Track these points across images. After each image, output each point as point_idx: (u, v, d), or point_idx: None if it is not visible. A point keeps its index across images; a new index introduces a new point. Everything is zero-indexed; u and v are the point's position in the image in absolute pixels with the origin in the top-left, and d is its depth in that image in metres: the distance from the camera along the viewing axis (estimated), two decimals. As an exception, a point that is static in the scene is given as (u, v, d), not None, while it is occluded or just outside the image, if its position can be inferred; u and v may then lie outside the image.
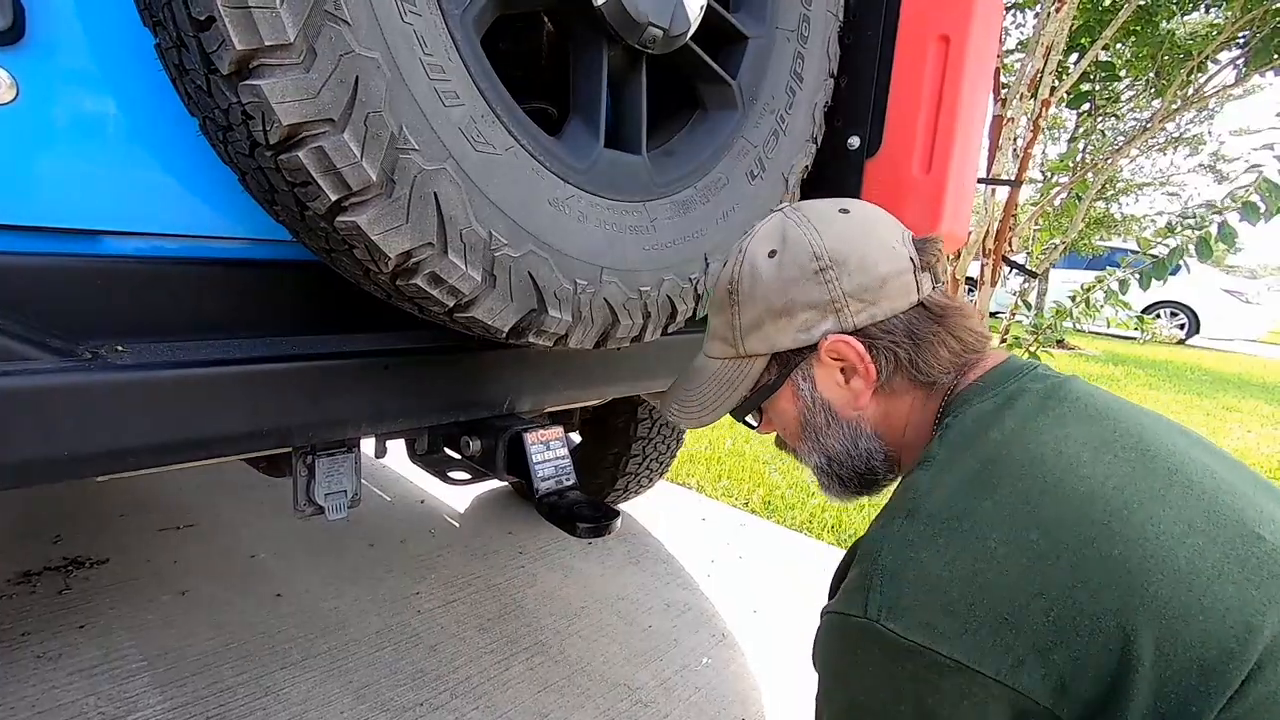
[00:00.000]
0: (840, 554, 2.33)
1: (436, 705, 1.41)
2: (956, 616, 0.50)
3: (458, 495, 2.46)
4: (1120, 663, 0.48)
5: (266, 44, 0.56)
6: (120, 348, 0.75)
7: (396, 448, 1.50)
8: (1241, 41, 3.56)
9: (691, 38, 0.91)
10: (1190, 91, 3.88)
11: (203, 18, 0.56)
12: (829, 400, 0.73)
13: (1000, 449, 0.58)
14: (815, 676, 0.64)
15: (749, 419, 0.80)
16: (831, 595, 0.66)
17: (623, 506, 2.39)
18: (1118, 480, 0.54)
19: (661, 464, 2.20)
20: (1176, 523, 0.52)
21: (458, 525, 2.23)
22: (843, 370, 0.71)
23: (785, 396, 0.75)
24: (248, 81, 0.58)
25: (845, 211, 0.71)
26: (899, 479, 0.76)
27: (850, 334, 0.68)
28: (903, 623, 0.51)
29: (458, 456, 1.15)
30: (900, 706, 0.53)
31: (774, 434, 0.83)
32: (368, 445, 1.11)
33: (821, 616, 0.61)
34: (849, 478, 0.76)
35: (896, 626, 0.51)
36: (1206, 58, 3.63)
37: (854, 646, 0.55)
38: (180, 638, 1.54)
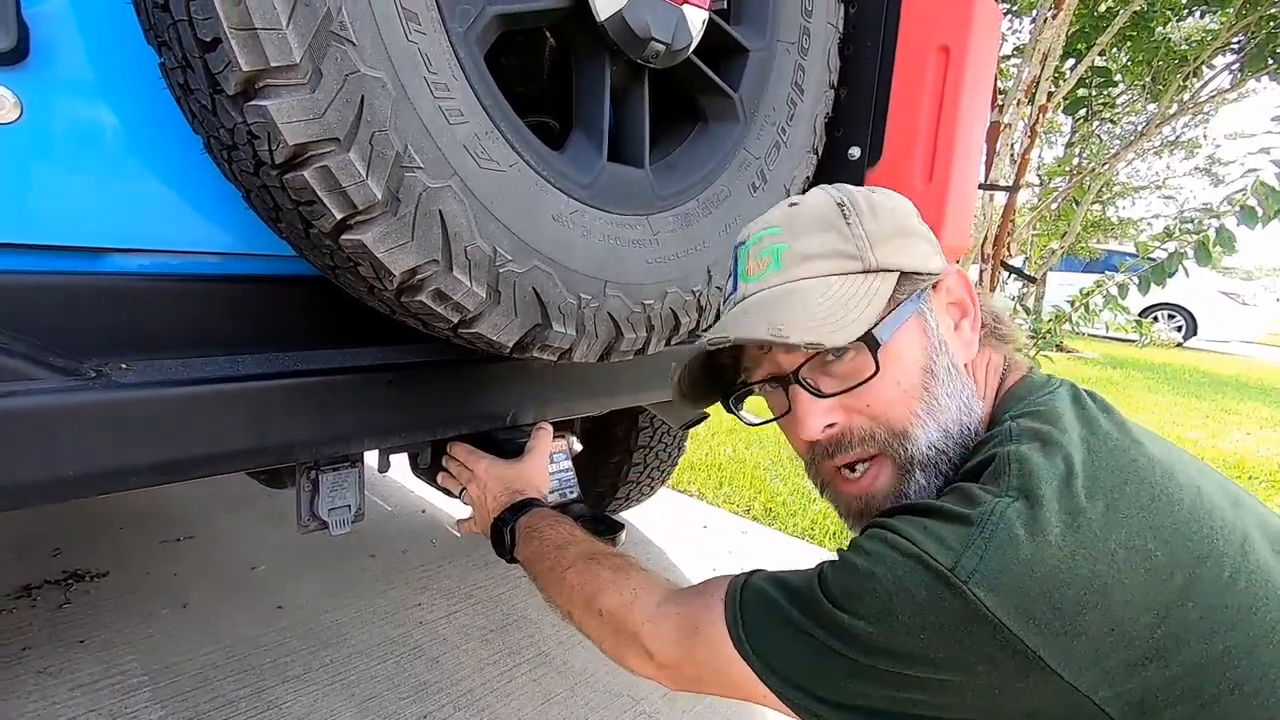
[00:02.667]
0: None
1: (440, 718, 1.41)
2: (1062, 615, 0.47)
3: (459, 505, 2.45)
4: (1220, 688, 0.47)
5: (272, 65, 0.56)
6: (124, 365, 0.74)
7: (399, 459, 1.50)
8: (1236, 46, 3.58)
9: (693, 51, 0.92)
10: (1186, 96, 3.90)
11: (209, 39, 0.56)
12: (950, 346, 0.64)
13: (1097, 449, 0.55)
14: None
15: (814, 381, 0.63)
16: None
17: (624, 515, 2.38)
18: (1200, 496, 0.53)
19: (663, 472, 2.20)
20: (1261, 545, 0.51)
21: (459, 536, 2.23)
22: (953, 313, 0.65)
23: (913, 329, 0.63)
24: (254, 102, 0.58)
25: (873, 190, 0.70)
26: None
27: None
28: (996, 598, 0.47)
29: (461, 469, 1.14)
30: (938, 669, 0.50)
31: (828, 427, 0.64)
32: (370, 458, 1.11)
33: (884, 529, 0.54)
34: (950, 466, 0.62)
35: (987, 599, 0.47)
36: (1202, 63, 3.65)
37: (920, 586, 0.50)
38: (181, 651, 1.54)
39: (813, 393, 0.63)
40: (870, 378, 0.61)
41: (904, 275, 0.63)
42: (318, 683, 1.48)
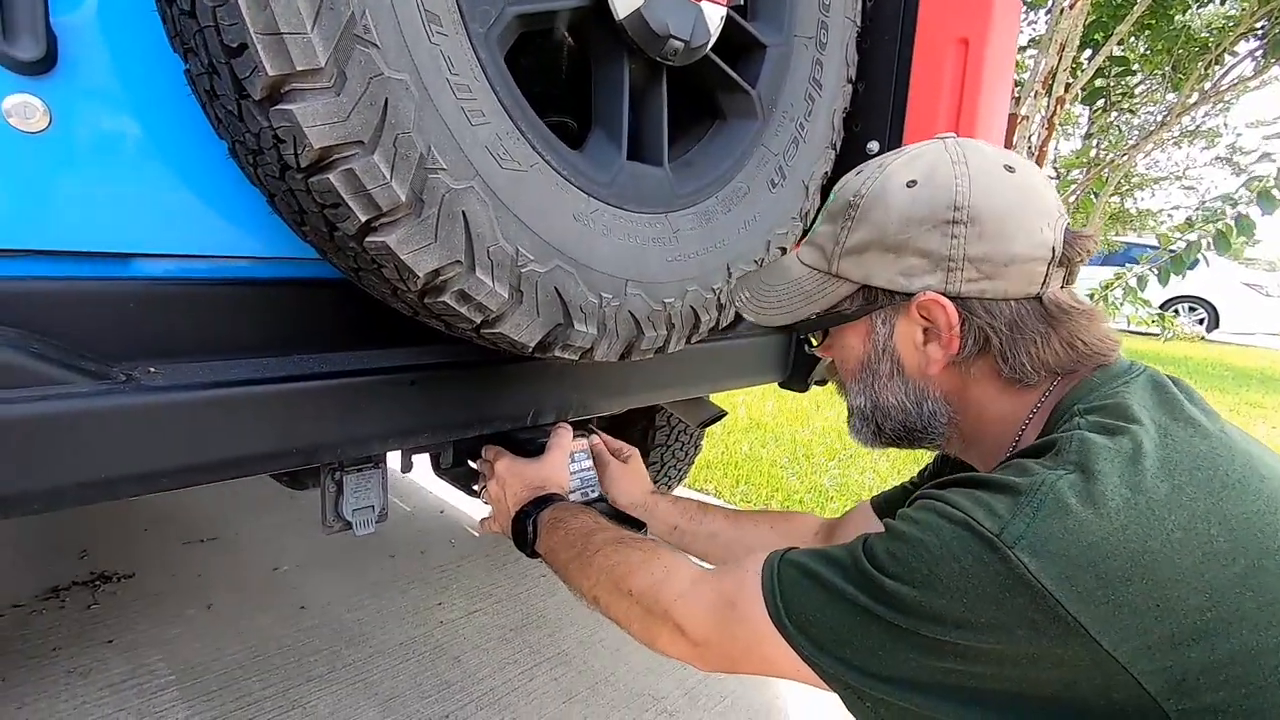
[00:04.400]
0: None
1: (462, 717, 1.42)
2: (1106, 584, 0.47)
3: (477, 505, 2.47)
4: (1269, 679, 0.46)
5: (298, 69, 0.57)
6: (152, 369, 0.75)
7: (418, 460, 1.51)
8: (1260, 32, 3.51)
9: (711, 48, 0.91)
10: (1207, 85, 3.84)
11: (235, 44, 0.57)
12: (900, 355, 0.69)
13: (1175, 434, 0.55)
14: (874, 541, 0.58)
15: (811, 335, 0.77)
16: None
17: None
18: None
19: (680, 470, 2.20)
20: None
21: (477, 536, 2.24)
22: (925, 331, 0.66)
23: (856, 332, 0.71)
24: (279, 106, 0.58)
25: (1010, 170, 0.63)
26: (942, 448, 0.74)
27: (950, 298, 0.63)
28: (1039, 563, 0.48)
29: (482, 469, 1.14)
30: (979, 634, 0.50)
31: (826, 359, 0.79)
32: (393, 459, 1.12)
33: (926, 499, 0.56)
34: (892, 430, 0.72)
35: (1031, 564, 0.48)
36: (1224, 50, 3.59)
37: (967, 550, 0.50)
38: (207, 651, 1.56)
39: (804, 341, 0.82)
40: (812, 348, 0.79)
41: (865, 287, 0.68)
42: (341, 682, 1.49)
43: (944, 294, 0.63)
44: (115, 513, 2.19)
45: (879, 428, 0.73)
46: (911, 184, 0.64)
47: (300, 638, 1.63)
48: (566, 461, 1.04)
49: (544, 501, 0.94)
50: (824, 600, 0.58)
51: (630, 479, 1.13)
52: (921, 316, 0.65)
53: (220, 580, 1.86)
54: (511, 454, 1.03)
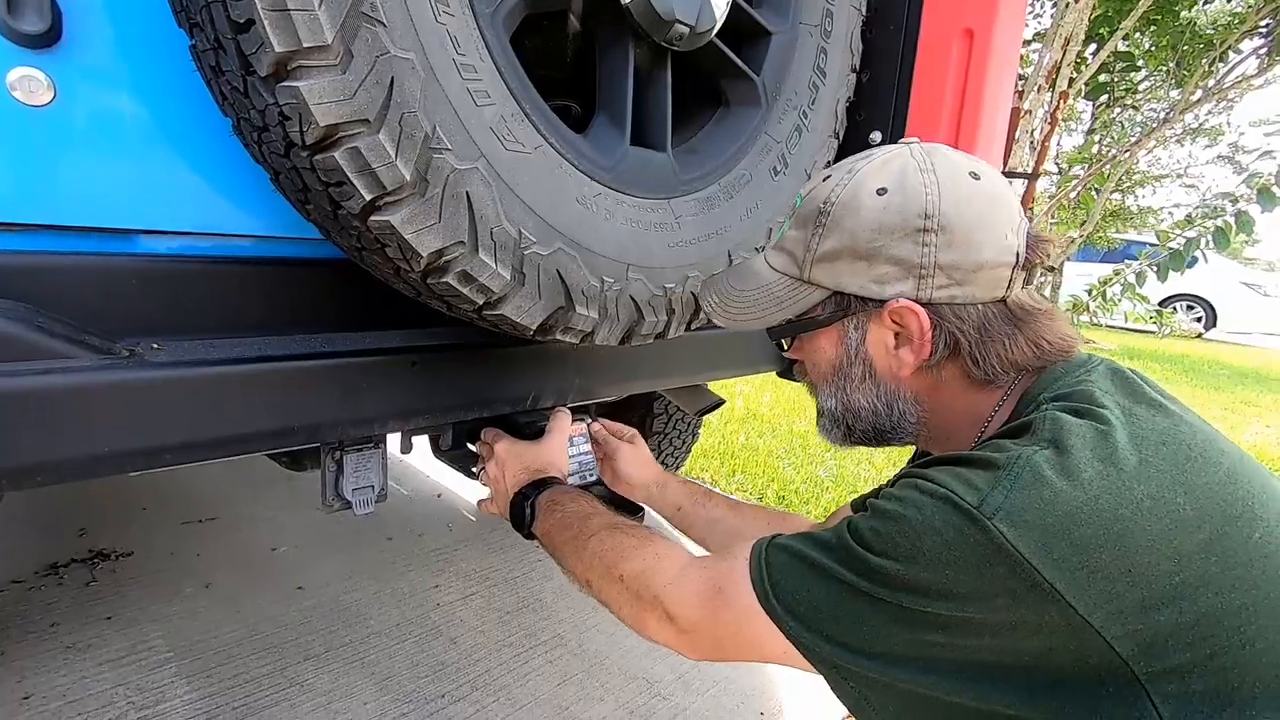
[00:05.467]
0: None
1: (457, 697, 1.43)
2: (1080, 551, 0.49)
3: (474, 488, 2.48)
4: (1231, 640, 0.49)
5: (305, 46, 0.57)
6: (156, 345, 0.76)
7: (416, 443, 1.52)
8: (1265, 30, 3.50)
9: (716, 34, 0.91)
10: (1211, 82, 3.83)
11: (242, 20, 0.57)
12: (872, 359, 0.70)
13: (1139, 415, 0.58)
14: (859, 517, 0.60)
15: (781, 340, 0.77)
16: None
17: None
18: (1243, 464, 0.56)
19: (676, 458, 2.21)
20: None
21: (475, 519, 2.25)
22: (896, 336, 0.67)
23: (828, 337, 0.72)
24: (285, 83, 0.58)
25: (976, 177, 0.64)
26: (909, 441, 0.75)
27: (921, 304, 0.64)
28: (1017, 532, 0.50)
29: (481, 452, 1.15)
30: (960, 604, 0.52)
31: (796, 361, 0.80)
32: (392, 441, 1.12)
33: (907, 478, 0.58)
34: (862, 430, 0.74)
35: (1009, 533, 0.50)
36: (1228, 47, 3.58)
37: (948, 523, 0.52)
38: (205, 629, 1.57)
39: (776, 344, 0.79)
40: (783, 352, 0.78)
41: (837, 293, 0.68)
42: (338, 661, 1.50)
43: (915, 300, 0.64)
44: (115, 491, 2.19)
45: (849, 429, 0.74)
46: (882, 191, 0.65)
47: (298, 617, 1.65)
48: (565, 445, 1.04)
49: (542, 484, 0.95)
50: (810, 579, 0.60)
51: (639, 459, 1.14)
52: (894, 322, 0.66)
53: (219, 560, 1.88)
54: (511, 436, 1.04)
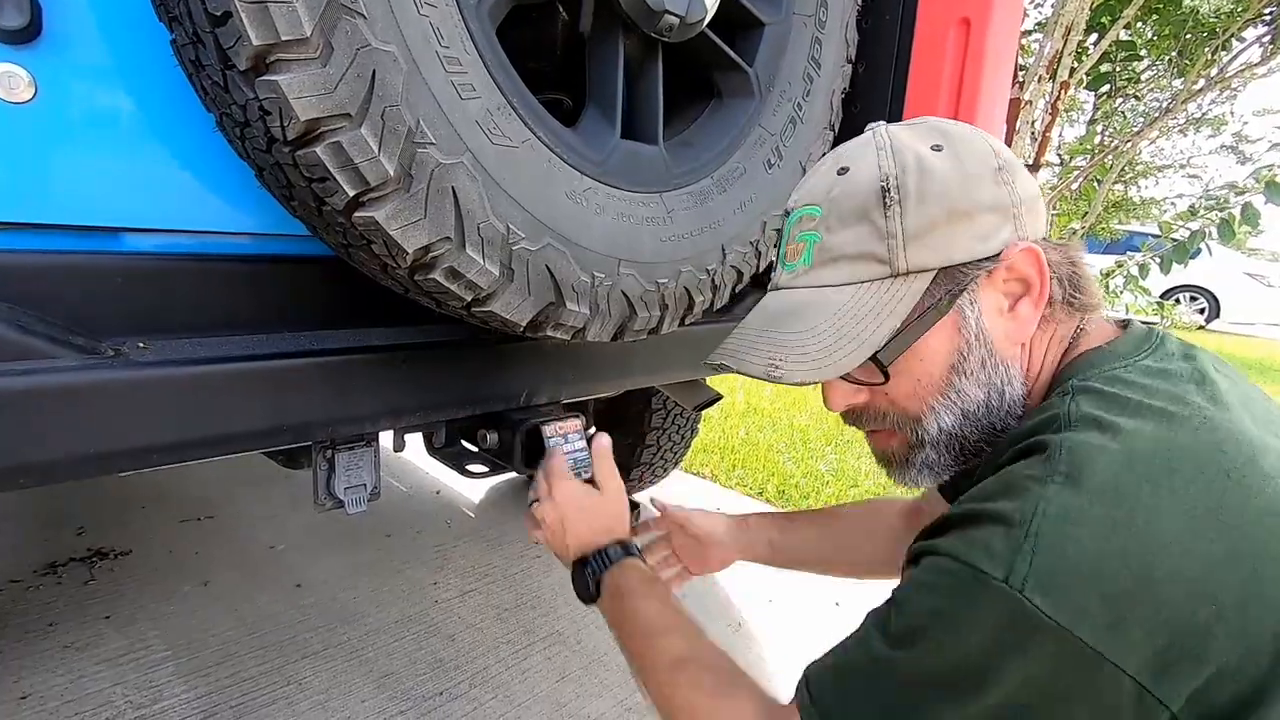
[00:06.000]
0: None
1: (456, 694, 1.43)
2: (1114, 608, 0.45)
3: (473, 486, 2.48)
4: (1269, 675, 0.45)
5: (283, 39, 0.56)
6: (142, 344, 0.75)
7: (414, 441, 1.51)
8: (1268, 17, 3.47)
9: (708, 24, 0.90)
10: (1214, 71, 3.80)
11: (219, 13, 0.56)
12: (990, 336, 0.60)
13: (1178, 426, 0.51)
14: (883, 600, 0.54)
15: (857, 373, 0.62)
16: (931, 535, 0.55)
17: (637, 497, 2.39)
18: None
19: (675, 454, 2.20)
20: None
21: (473, 516, 2.25)
22: (1010, 293, 0.60)
23: (943, 330, 0.60)
24: (265, 77, 0.57)
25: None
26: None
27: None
28: (1052, 600, 0.45)
29: (475, 450, 1.15)
30: (1007, 679, 0.47)
31: (850, 407, 0.67)
32: (385, 439, 1.12)
33: (928, 555, 0.53)
34: (975, 440, 0.62)
35: (1043, 603, 0.45)
36: (1231, 35, 3.55)
37: (978, 604, 0.48)
38: (203, 628, 1.57)
39: (844, 375, 0.62)
40: (881, 383, 0.62)
41: (944, 270, 0.59)
42: (337, 659, 1.50)
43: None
44: (113, 490, 2.19)
45: (962, 446, 0.63)
46: (938, 148, 0.60)
47: (296, 615, 1.64)
48: (625, 494, 0.99)
49: (610, 553, 0.88)
50: (855, 697, 0.54)
51: (710, 517, 1.07)
52: (1008, 277, 0.60)
53: (217, 558, 1.87)
54: (572, 478, 0.97)
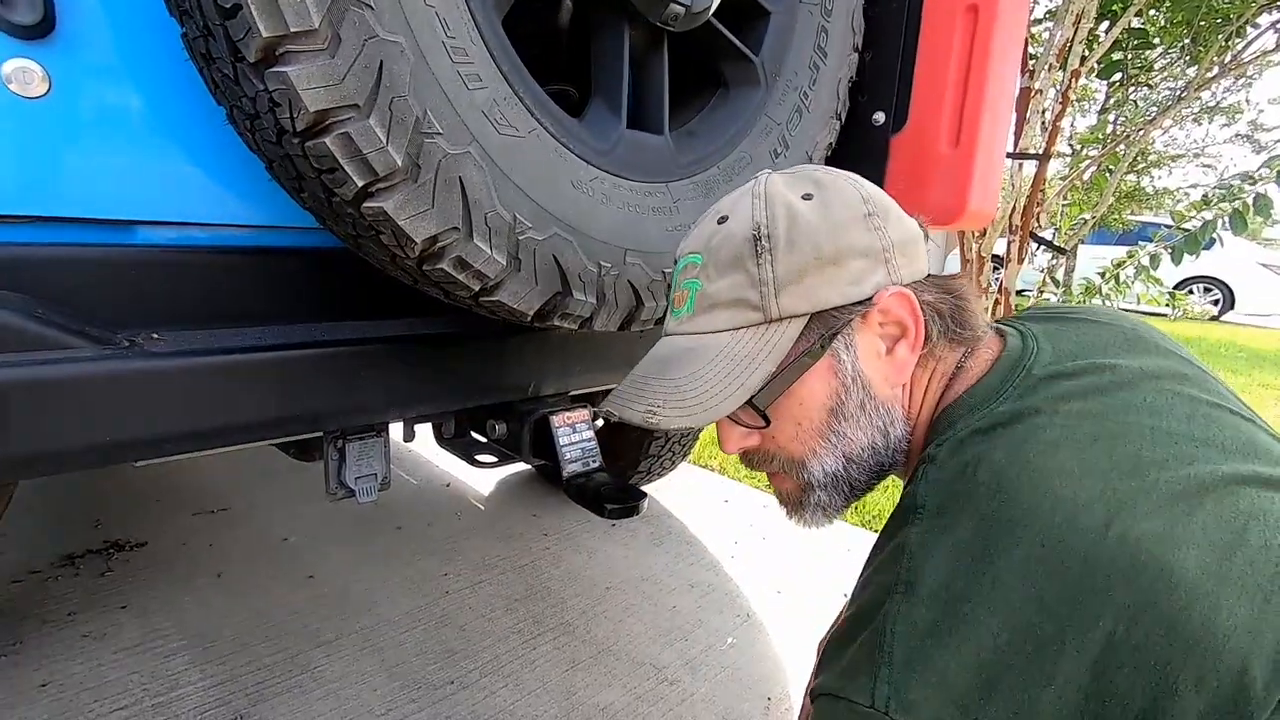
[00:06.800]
0: (862, 534, 2.32)
1: (466, 684, 1.44)
2: (968, 711, 0.47)
3: (482, 478, 2.49)
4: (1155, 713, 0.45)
5: (292, 30, 0.57)
6: (156, 335, 0.76)
7: (424, 431, 1.52)
8: (1283, 4, 3.42)
9: (713, 14, 0.90)
10: (1228, 58, 3.75)
11: (228, 5, 0.56)
12: (867, 378, 0.62)
13: (991, 498, 0.50)
14: None
15: (741, 416, 0.63)
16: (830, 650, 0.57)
17: (645, 489, 2.40)
18: (1134, 514, 0.47)
19: (684, 446, 2.21)
20: (1203, 548, 0.46)
21: (483, 508, 2.26)
22: (888, 335, 0.62)
23: (819, 374, 0.61)
24: (274, 69, 0.58)
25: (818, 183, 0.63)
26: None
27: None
28: (912, 715, 0.47)
29: (484, 440, 1.16)
30: None
31: (743, 449, 0.68)
32: (395, 430, 1.13)
33: (819, 696, 0.54)
34: (865, 480, 0.65)
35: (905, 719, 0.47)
36: (1246, 21, 3.50)
37: None
38: (217, 618, 1.59)
39: (732, 420, 0.65)
40: (762, 428, 0.63)
41: (817, 315, 0.61)
42: (349, 648, 1.52)
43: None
44: (128, 483, 2.22)
45: (851, 487, 0.65)
46: (807, 196, 0.61)
47: (309, 606, 1.66)
48: None
49: None
50: None
51: None
52: (882, 320, 0.61)
53: (231, 550, 1.90)
54: None
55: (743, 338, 0.61)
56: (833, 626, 0.97)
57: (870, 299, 0.60)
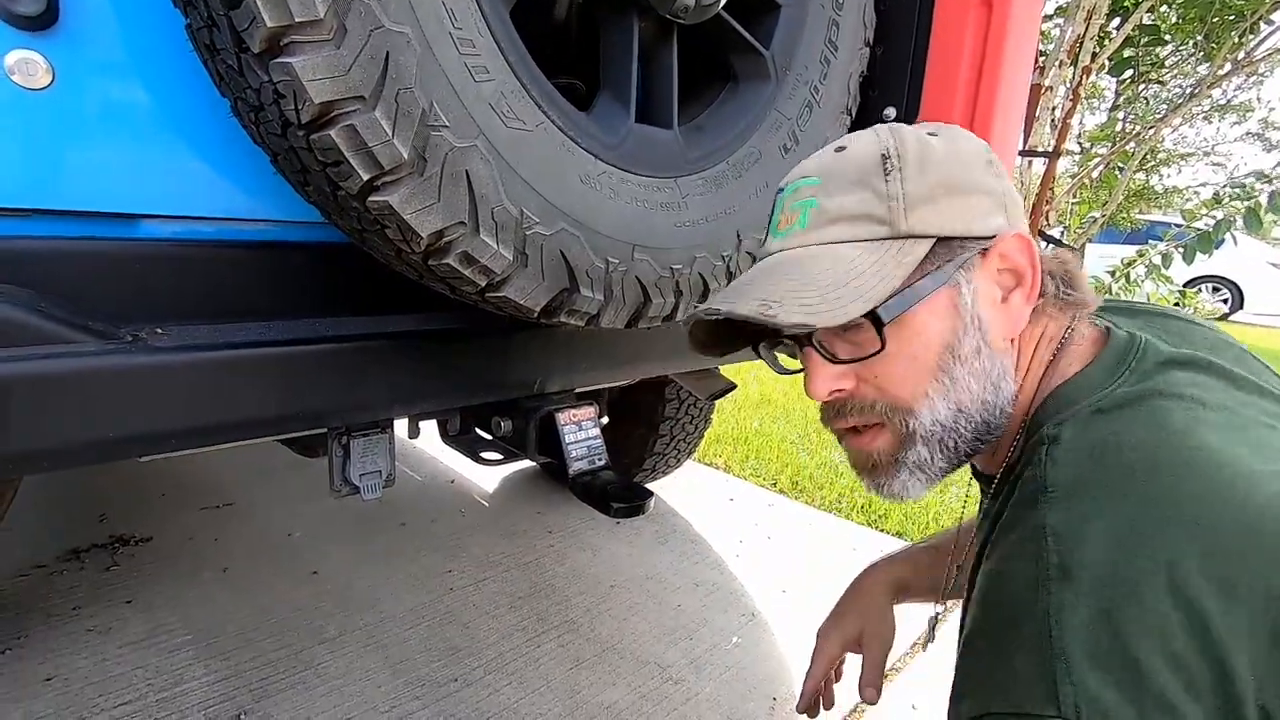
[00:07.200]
0: (870, 534, 2.31)
1: (470, 681, 1.44)
2: (1162, 697, 0.42)
3: (487, 475, 2.49)
4: None
5: (297, 20, 0.56)
6: (159, 330, 0.76)
7: (429, 428, 1.52)
8: (1297, 1, 3.38)
9: (723, 6, 0.89)
10: (1240, 55, 3.71)
11: (233, -5, 0.56)
12: (985, 323, 0.58)
13: (1143, 476, 0.48)
14: None
15: (829, 346, 0.59)
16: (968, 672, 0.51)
17: (650, 486, 2.39)
18: None
19: (689, 444, 2.20)
20: None
21: (487, 505, 2.26)
22: (1003, 285, 0.59)
23: (941, 304, 0.57)
24: (279, 59, 0.57)
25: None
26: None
27: None
28: (1104, 714, 0.43)
29: (489, 437, 1.15)
30: None
31: (834, 393, 0.62)
32: (400, 426, 1.12)
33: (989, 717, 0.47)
34: (969, 439, 0.59)
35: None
36: (1260, 18, 3.46)
37: None
38: (222, 613, 1.59)
39: (825, 357, 0.60)
40: (876, 353, 0.57)
41: (942, 241, 0.57)
42: (353, 645, 1.51)
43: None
44: (133, 478, 2.22)
45: (954, 448, 0.60)
46: (933, 134, 0.60)
47: (313, 601, 1.66)
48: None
49: None
50: None
51: (878, 647, 0.93)
52: (1000, 266, 0.59)
53: (236, 545, 1.90)
54: None
55: (867, 249, 0.57)
56: (829, 617, 0.96)
57: (991, 239, 0.58)
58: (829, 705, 0.95)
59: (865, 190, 0.58)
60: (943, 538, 0.99)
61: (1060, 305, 0.63)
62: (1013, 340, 0.61)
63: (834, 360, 0.60)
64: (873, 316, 0.55)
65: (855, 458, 0.66)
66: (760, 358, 0.71)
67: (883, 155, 0.58)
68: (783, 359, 0.70)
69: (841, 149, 0.62)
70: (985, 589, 0.52)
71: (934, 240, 0.57)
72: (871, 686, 0.86)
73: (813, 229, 0.60)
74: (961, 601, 0.66)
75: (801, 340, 0.63)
